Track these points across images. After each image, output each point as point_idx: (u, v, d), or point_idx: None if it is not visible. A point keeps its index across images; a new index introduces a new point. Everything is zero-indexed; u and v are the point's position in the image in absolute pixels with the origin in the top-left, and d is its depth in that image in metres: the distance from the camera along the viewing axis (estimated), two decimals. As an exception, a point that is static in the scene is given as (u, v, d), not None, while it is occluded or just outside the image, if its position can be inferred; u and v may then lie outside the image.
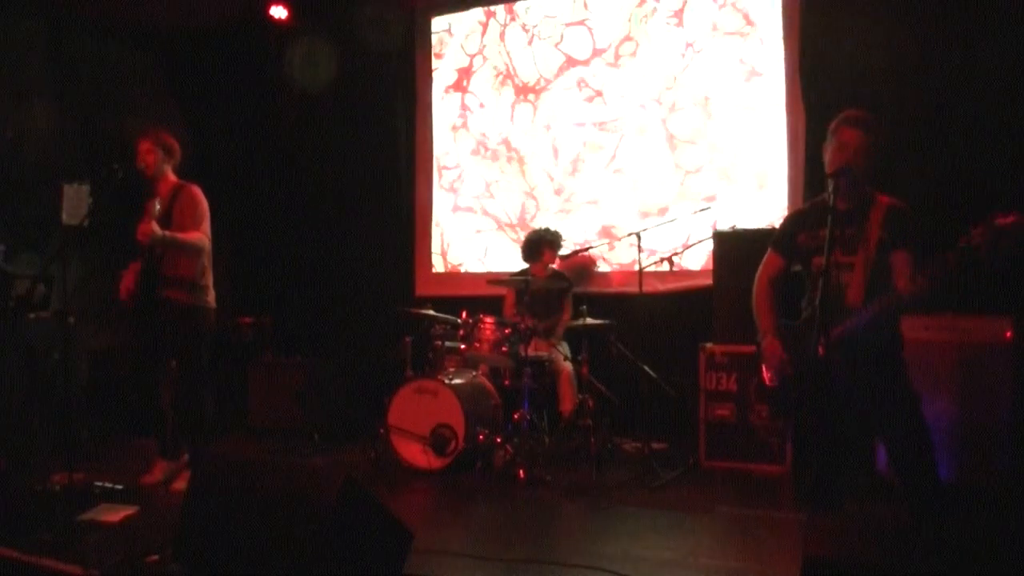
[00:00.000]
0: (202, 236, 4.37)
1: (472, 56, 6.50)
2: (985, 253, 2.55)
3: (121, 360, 5.99)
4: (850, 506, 3.33)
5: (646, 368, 4.90)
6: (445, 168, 6.61)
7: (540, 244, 5.48)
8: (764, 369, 3.24)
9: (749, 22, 5.54)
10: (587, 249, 5.62)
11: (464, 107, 6.53)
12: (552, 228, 5.58)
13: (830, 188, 2.90)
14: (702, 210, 5.20)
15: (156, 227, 4.17)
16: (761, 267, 3.33)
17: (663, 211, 5.70)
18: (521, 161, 6.28)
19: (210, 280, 4.49)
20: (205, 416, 4.45)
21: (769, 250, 3.31)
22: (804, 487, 3.26)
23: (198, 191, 4.46)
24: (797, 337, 3.11)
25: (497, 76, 6.39)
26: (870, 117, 3.03)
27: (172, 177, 4.53)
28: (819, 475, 3.06)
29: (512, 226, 6.26)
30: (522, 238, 5.71)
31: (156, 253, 4.30)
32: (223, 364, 6.28)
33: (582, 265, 5.76)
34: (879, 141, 2.99)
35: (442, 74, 6.64)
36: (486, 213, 6.41)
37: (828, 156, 3.05)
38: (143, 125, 4.58)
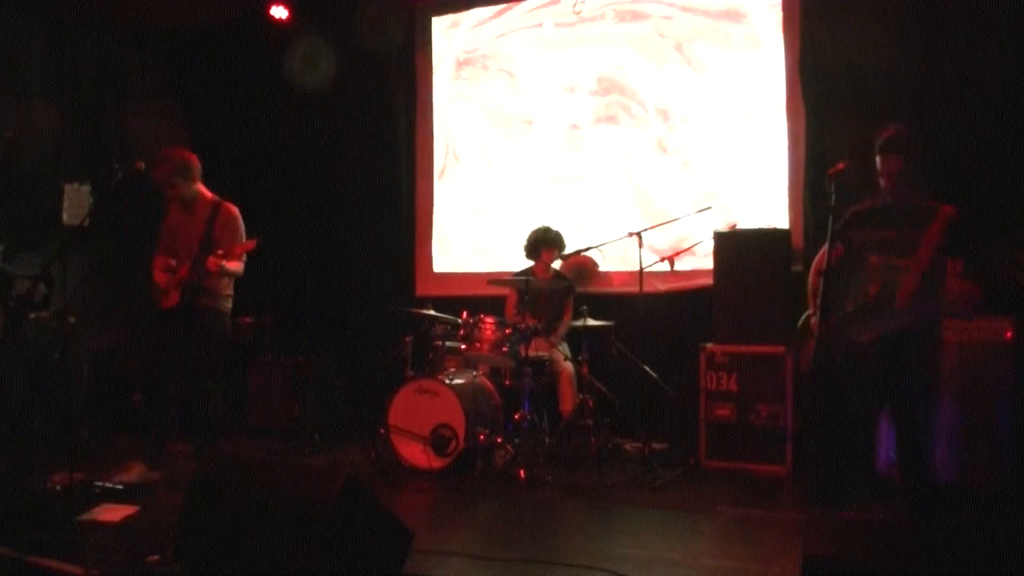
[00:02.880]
0: (240, 266, 4.54)
1: (473, 55, 6.50)
2: None
3: (122, 360, 5.99)
4: (850, 506, 3.35)
5: (646, 368, 4.90)
6: (445, 167, 6.62)
7: (538, 244, 5.48)
8: (807, 350, 3.37)
9: (749, 23, 5.54)
10: (588, 249, 5.61)
11: (464, 106, 6.53)
12: (552, 227, 5.57)
13: (831, 188, 2.98)
14: (702, 210, 5.20)
15: (225, 263, 4.35)
16: (820, 254, 3.45)
17: (664, 211, 5.70)
18: (521, 160, 6.28)
19: (232, 289, 4.65)
20: (215, 417, 4.52)
21: (828, 242, 3.45)
22: (810, 485, 3.32)
23: (237, 212, 4.58)
24: (842, 327, 3.26)
25: (497, 75, 6.39)
26: (900, 139, 3.20)
27: (206, 192, 4.63)
28: (825, 471, 3.14)
29: (513, 226, 6.25)
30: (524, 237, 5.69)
31: (201, 270, 4.39)
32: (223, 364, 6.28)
33: (582, 265, 5.75)
34: (918, 155, 3.15)
35: (443, 73, 6.64)
36: (487, 212, 6.41)
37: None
38: (148, 140, 4.64)
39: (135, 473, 4.39)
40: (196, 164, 4.59)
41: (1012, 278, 2.83)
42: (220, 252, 4.32)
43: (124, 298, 6.19)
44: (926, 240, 3.07)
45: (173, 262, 4.47)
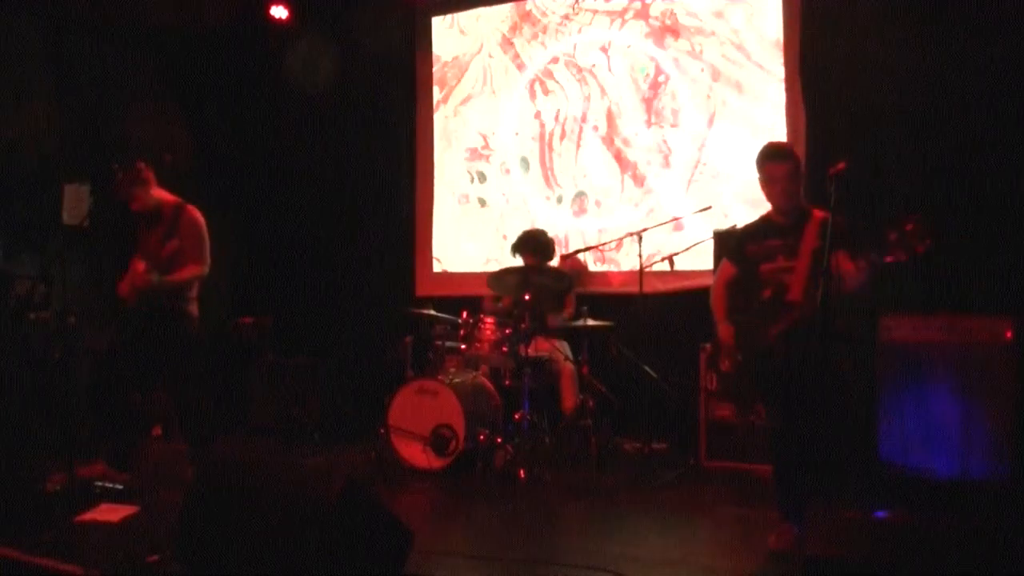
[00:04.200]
0: (200, 269, 4.40)
1: (473, 54, 6.50)
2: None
3: (122, 360, 5.99)
4: (850, 506, 3.36)
5: (646, 368, 4.90)
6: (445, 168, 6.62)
7: (514, 249, 5.48)
8: (721, 357, 3.65)
9: (749, 22, 5.54)
10: (586, 250, 5.61)
11: (466, 106, 6.53)
12: (533, 230, 5.55)
13: (831, 188, 3.06)
14: (702, 210, 5.20)
15: (155, 277, 4.25)
16: (718, 273, 3.82)
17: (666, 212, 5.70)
18: (521, 160, 6.28)
19: (196, 293, 4.53)
20: (209, 418, 4.50)
21: (723, 260, 3.79)
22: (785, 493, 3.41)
23: (198, 214, 4.46)
24: (745, 329, 3.51)
25: (497, 73, 6.40)
26: (787, 148, 3.60)
27: (167, 195, 4.51)
28: (795, 475, 3.25)
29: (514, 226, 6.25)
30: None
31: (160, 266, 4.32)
32: (223, 364, 6.29)
33: (572, 269, 5.73)
34: (800, 166, 3.48)
35: (443, 72, 6.64)
36: (486, 212, 6.42)
37: (763, 189, 3.51)
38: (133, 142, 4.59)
39: (98, 471, 4.38)
40: (148, 171, 4.48)
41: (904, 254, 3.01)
42: (150, 266, 4.28)
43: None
44: (804, 243, 3.32)
45: (141, 267, 4.35)
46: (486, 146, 6.42)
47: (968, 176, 4.60)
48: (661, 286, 5.43)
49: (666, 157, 5.77)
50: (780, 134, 5.39)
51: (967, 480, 3.97)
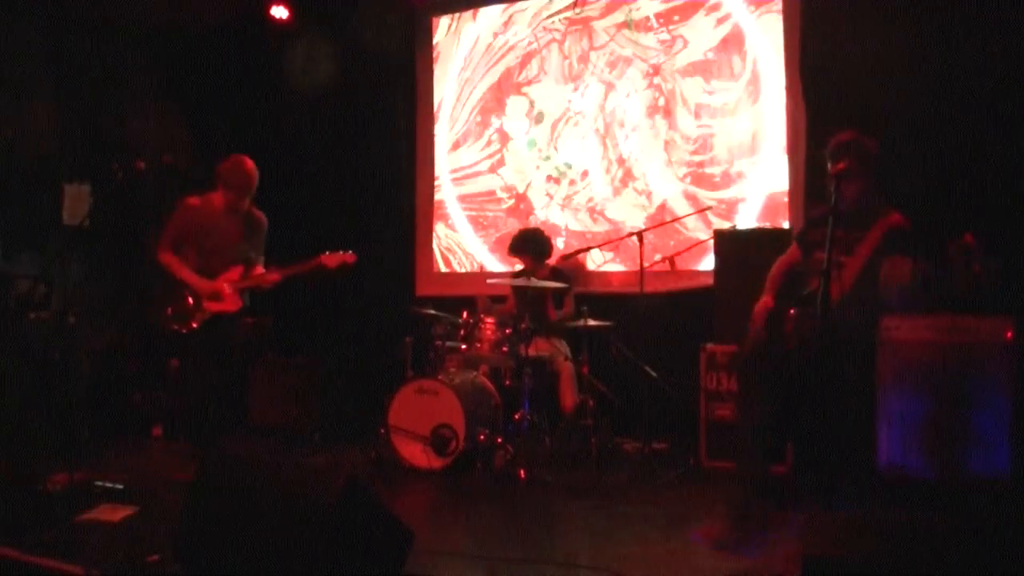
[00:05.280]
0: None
1: (473, 53, 6.50)
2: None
3: (122, 360, 5.99)
4: (849, 506, 3.37)
5: (646, 368, 4.90)
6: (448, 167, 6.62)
7: (513, 249, 5.48)
8: (751, 321, 3.70)
9: (749, 22, 5.55)
10: (587, 250, 5.61)
11: (464, 104, 6.53)
12: (529, 230, 5.55)
13: (831, 188, 3.04)
14: (703, 210, 5.20)
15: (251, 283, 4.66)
16: (784, 255, 3.81)
17: (665, 211, 5.71)
18: (520, 161, 6.28)
19: None
20: (211, 417, 4.56)
21: (793, 243, 3.78)
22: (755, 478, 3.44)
23: (265, 220, 4.86)
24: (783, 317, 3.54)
25: (497, 71, 6.40)
26: (846, 143, 3.38)
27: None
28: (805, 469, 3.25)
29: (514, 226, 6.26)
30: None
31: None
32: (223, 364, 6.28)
33: (572, 268, 5.73)
34: (871, 159, 3.35)
35: (443, 72, 6.64)
36: (487, 212, 6.42)
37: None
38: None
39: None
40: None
41: (967, 286, 2.98)
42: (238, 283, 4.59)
43: (124, 298, 6.20)
44: (865, 241, 3.20)
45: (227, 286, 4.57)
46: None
47: (968, 176, 4.60)
48: (661, 286, 5.44)
49: (665, 161, 5.78)
50: (779, 135, 5.41)
51: (967, 480, 3.97)
